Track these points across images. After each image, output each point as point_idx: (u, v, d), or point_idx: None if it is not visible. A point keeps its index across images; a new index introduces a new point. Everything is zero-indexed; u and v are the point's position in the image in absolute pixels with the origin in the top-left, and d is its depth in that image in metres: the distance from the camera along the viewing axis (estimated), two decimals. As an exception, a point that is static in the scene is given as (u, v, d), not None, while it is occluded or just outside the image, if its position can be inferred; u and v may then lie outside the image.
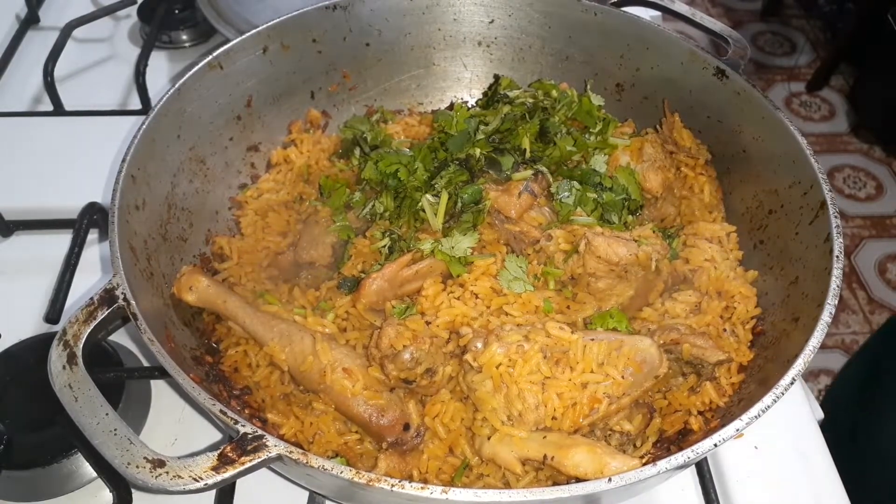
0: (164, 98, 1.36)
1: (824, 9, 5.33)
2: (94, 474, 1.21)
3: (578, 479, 1.04)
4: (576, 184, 1.36)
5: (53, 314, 1.40)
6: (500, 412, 1.12)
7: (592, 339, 1.15)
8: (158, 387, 1.37)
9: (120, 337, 1.42)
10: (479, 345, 1.14)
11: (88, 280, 1.51)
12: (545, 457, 1.07)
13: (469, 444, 1.16)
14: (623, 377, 1.12)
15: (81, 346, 1.03)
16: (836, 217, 1.21)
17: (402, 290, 1.30)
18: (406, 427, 1.17)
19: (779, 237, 1.37)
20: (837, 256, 1.16)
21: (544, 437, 1.10)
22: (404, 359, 1.15)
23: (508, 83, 1.62)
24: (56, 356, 1.01)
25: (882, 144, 4.56)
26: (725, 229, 1.45)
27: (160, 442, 1.29)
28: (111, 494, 1.19)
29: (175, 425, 1.32)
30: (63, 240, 1.55)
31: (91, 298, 1.07)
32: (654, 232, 1.36)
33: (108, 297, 1.07)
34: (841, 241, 1.19)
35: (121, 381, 1.29)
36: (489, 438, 1.12)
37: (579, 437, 1.10)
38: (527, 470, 1.12)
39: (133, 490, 1.20)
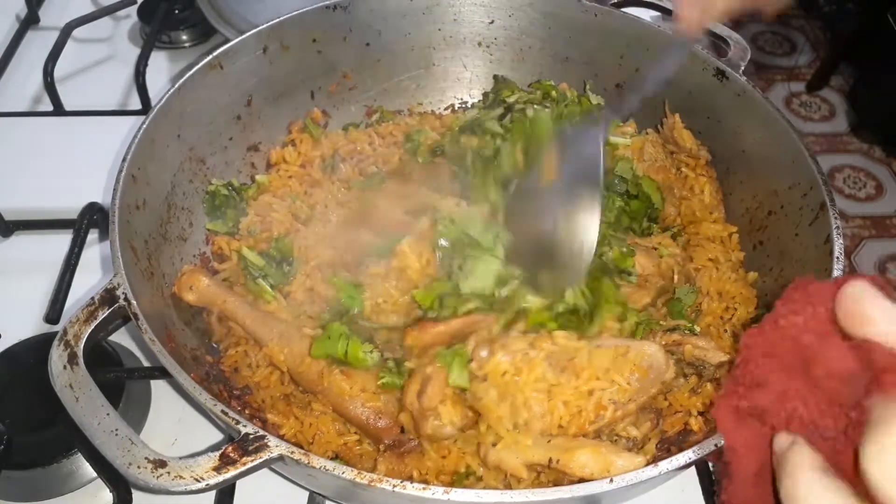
0: (164, 98, 1.36)
1: (824, 9, 5.33)
2: (94, 474, 1.21)
3: (584, 480, 1.04)
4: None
5: (53, 314, 1.40)
6: (506, 421, 1.10)
7: (598, 346, 1.13)
8: (158, 387, 1.36)
9: (120, 337, 1.42)
10: (484, 353, 1.11)
11: (88, 280, 1.51)
12: (550, 460, 1.06)
13: (474, 451, 1.15)
14: (629, 383, 1.11)
15: (82, 346, 1.03)
16: (836, 218, 1.21)
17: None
18: (403, 429, 1.16)
19: (779, 238, 1.37)
20: (838, 257, 1.16)
21: (549, 441, 1.09)
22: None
23: (507, 85, 1.61)
24: (57, 356, 1.01)
25: (882, 144, 4.55)
26: (728, 229, 1.45)
27: (160, 442, 1.28)
28: (111, 494, 1.19)
29: (175, 425, 1.32)
30: (63, 240, 1.55)
31: (92, 298, 1.07)
32: (672, 239, 1.34)
33: (108, 296, 1.07)
34: (841, 241, 1.18)
35: (121, 382, 1.29)
36: (494, 445, 1.11)
37: (584, 439, 1.09)
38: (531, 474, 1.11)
39: (133, 490, 1.20)
